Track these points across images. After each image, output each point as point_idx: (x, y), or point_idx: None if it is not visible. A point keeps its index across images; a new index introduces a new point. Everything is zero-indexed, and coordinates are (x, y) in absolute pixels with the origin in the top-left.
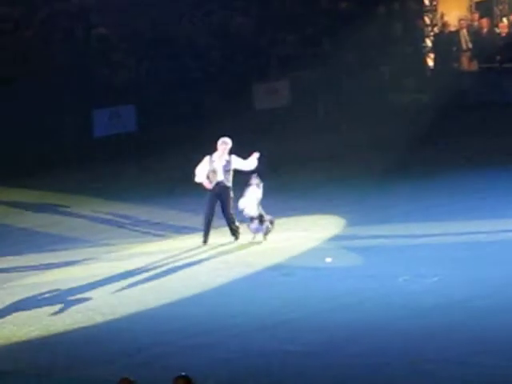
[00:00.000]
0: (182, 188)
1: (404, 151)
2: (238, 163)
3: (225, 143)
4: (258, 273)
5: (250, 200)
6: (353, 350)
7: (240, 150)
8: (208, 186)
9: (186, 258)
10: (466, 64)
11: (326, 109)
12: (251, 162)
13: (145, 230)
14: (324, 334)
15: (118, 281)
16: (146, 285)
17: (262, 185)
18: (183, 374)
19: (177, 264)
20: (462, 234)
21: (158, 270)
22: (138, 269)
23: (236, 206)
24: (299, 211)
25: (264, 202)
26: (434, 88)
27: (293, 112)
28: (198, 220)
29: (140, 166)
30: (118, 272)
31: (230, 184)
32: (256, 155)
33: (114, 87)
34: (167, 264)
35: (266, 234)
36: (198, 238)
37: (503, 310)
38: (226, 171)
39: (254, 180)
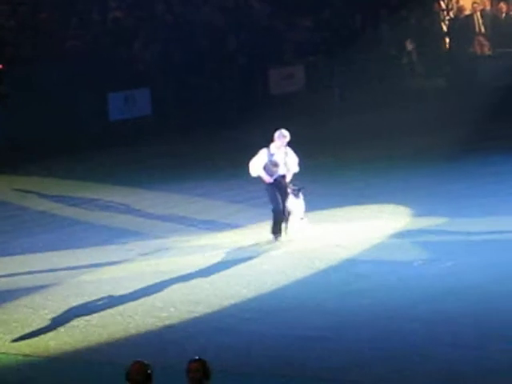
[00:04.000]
0: (198, 174)
1: (420, 136)
2: (290, 159)
3: (284, 136)
4: (274, 257)
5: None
6: (364, 335)
7: (255, 135)
8: (268, 180)
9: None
10: (481, 48)
11: (342, 94)
12: (295, 165)
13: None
14: (336, 318)
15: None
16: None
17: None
18: (197, 357)
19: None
20: (478, 217)
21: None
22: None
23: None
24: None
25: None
26: (449, 72)
27: (308, 97)
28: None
29: (154, 150)
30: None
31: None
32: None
33: (129, 71)
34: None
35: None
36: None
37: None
38: (285, 164)
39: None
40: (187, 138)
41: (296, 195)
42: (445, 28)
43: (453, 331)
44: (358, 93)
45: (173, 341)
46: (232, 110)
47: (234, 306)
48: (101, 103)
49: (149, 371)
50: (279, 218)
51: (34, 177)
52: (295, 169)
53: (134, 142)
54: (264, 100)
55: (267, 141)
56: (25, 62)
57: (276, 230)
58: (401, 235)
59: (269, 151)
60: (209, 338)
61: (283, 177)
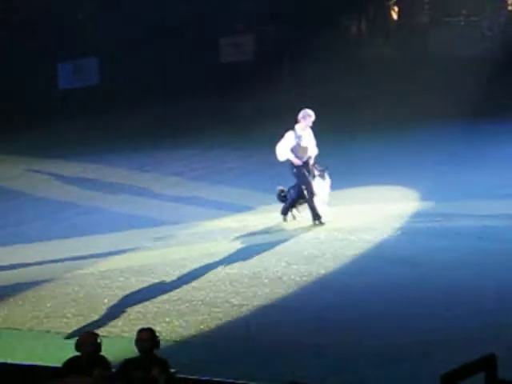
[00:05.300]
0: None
1: (368, 107)
2: (312, 140)
3: (309, 116)
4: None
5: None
6: (321, 304)
7: (204, 102)
8: (297, 162)
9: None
10: (429, 18)
11: (291, 64)
12: (315, 147)
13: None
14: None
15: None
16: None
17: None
18: (146, 326)
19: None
20: (430, 187)
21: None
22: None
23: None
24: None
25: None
26: (398, 41)
27: (257, 66)
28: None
29: (103, 120)
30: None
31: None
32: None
33: (78, 40)
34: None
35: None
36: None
37: (464, 263)
38: (310, 145)
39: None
40: (135, 107)
41: (322, 177)
42: None
43: (402, 299)
44: (307, 63)
45: (123, 311)
46: (181, 78)
47: (185, 276)
48: (50, 73)
49: (98, 341)
50: (313, 200)
51: None
52: (315, 150)
53: (82, 112)
54: (214, 69)
55: (218, 109)
56: None
57: (317, 214)
58: (347, 203)
59: (295, 133)
60: (158, 306)
61: (309, 158)
